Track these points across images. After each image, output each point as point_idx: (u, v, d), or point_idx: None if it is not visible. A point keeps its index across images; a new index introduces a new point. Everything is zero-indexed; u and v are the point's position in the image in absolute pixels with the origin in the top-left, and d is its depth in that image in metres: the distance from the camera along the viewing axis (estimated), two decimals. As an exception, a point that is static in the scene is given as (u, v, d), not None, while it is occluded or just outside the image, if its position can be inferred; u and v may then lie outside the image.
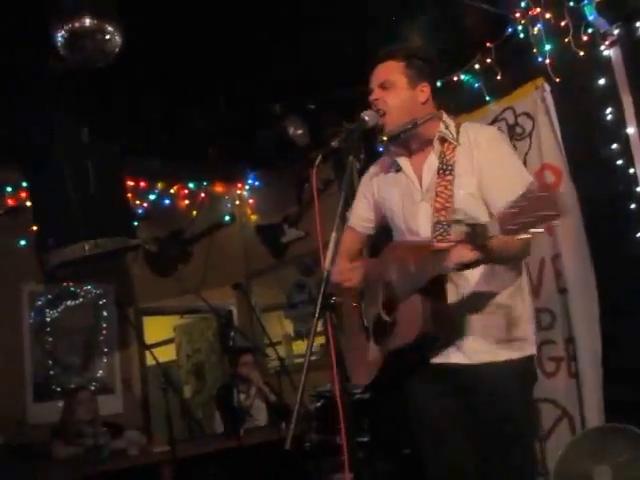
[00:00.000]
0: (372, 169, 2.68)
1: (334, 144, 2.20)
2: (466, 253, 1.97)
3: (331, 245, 2.03)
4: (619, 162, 3.88)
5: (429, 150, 2.44)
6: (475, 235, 1.88)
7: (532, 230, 1.70)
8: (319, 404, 4.41)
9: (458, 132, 2.41)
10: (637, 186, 3.81)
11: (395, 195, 2.52)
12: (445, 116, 2.47)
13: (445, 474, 2.41)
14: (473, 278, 2.30)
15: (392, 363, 2.35)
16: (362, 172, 2.64)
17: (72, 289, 5.98)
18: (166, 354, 7.37)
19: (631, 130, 3.84)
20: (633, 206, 3.82)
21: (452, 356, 2.35)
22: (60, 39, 3.43)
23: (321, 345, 5.41)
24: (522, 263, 2.44)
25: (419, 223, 2.41)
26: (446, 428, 2.40)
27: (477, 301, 2.32)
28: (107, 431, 4.52)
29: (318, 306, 1.93)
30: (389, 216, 2.58)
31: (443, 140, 2.41)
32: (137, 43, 3.90)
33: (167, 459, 4.19)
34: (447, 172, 2.35)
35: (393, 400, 2.53)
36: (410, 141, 2.46)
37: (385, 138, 2.41)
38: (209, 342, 7.16)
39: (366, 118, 2.32)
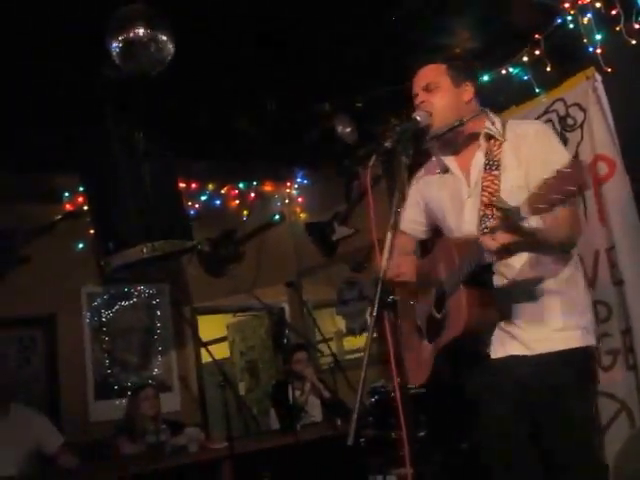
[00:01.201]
0: (421, 173, 2.71)
1: (387, 145, 2.23)
2: (501, 236, 2.01)
3: (387, 244, 2.07)
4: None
5: (475, 147, 2.48)
6: (507, 217, 1.95)
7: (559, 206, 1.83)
8: (373, 400, 4.43)
9: (504, 128, 2.44)
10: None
11: (446, 197, 2.54)
12: (491, 113, 2.51)
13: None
14: (519, 267, 2.32)
15: (445, 360, 2.37)
16: (410, 170, 2.65)
17: (126, 289, 6.13)
18: (219, 352, 7.47)
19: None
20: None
21: (509, 347, 2.35)
22: (115, 49, 3.56)
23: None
24: (575, 256, 2.43)
25: (464, 219, 2.44)
26: (508, 431, 2.38)
27: (523, 288, 2.33)
28: (167, 428, 4.62)
29: (375, 305, 1.96)
30: (441, 218, 2.59)
31: (489, 137, 2.45)
32: (187, 47, 3.98)
33: (226, 455, 4.27)
34: (493, 167, 2.40)
35: (450, 394, 2.53)
36: (456, 139, 2.49)
37: (429, 138, 2.45)
38: (262, 339, 7.24)
39: (418, 118, 2.36)
